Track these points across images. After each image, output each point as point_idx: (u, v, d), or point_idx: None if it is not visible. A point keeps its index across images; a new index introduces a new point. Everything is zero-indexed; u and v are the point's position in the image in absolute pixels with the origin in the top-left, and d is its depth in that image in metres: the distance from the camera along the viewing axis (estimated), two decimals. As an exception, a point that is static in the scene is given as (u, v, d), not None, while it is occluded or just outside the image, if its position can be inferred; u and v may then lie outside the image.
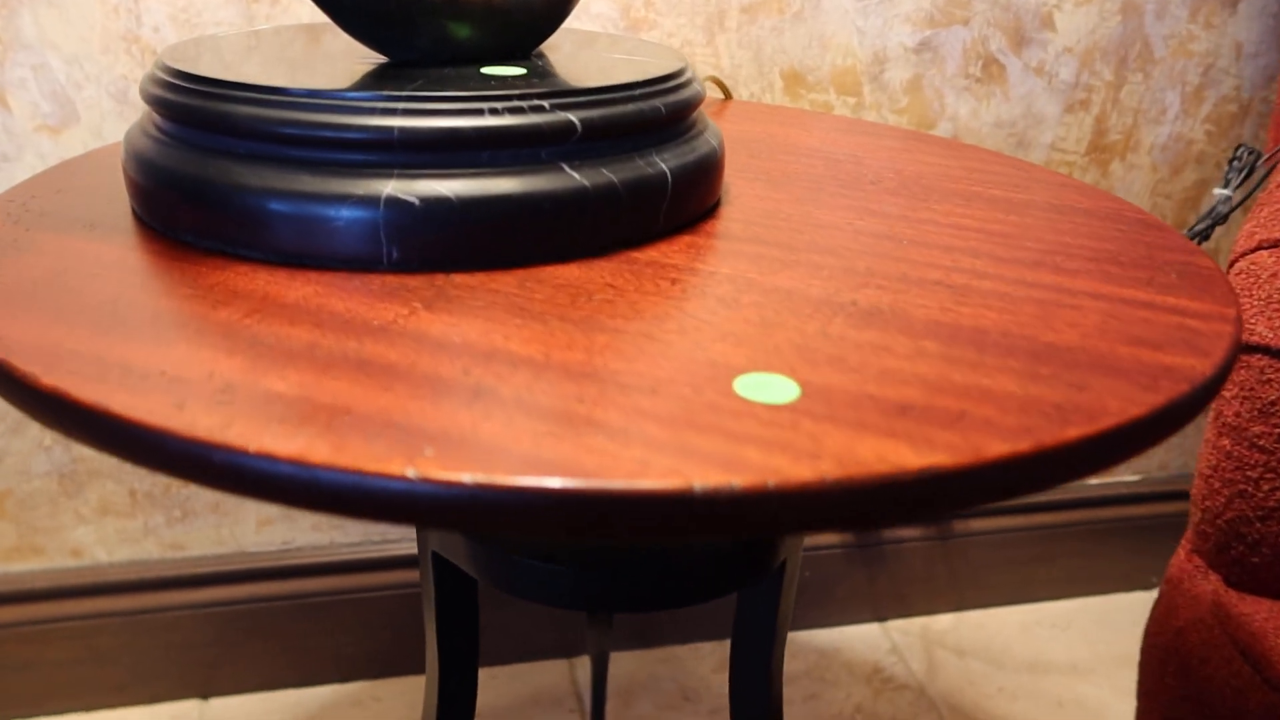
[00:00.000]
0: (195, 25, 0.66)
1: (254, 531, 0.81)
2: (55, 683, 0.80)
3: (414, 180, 0.33)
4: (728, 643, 0.92)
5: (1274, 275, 0.53)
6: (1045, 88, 0.81)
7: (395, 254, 0.33)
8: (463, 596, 0.52)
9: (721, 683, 0.87)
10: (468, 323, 0.30)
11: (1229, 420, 0.54)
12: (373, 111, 0.33)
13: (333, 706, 0.83)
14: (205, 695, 0.83)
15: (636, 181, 0.36)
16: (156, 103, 0.36)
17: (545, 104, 0.35)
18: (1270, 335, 0.52)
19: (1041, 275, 0.35)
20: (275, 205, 0.33)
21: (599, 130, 0.35)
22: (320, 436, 0.23)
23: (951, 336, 0.30)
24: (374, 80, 0.35)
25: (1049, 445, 0.24)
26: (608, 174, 0.36)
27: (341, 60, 0.39)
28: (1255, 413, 0.52)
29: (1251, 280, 0.53)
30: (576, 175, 0.35)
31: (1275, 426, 0.52)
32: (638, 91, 0.37)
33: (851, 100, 0.77)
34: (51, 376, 0.25)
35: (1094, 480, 0.99)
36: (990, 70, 0.79)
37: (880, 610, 0.96)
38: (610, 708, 0.85)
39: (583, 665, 0.89)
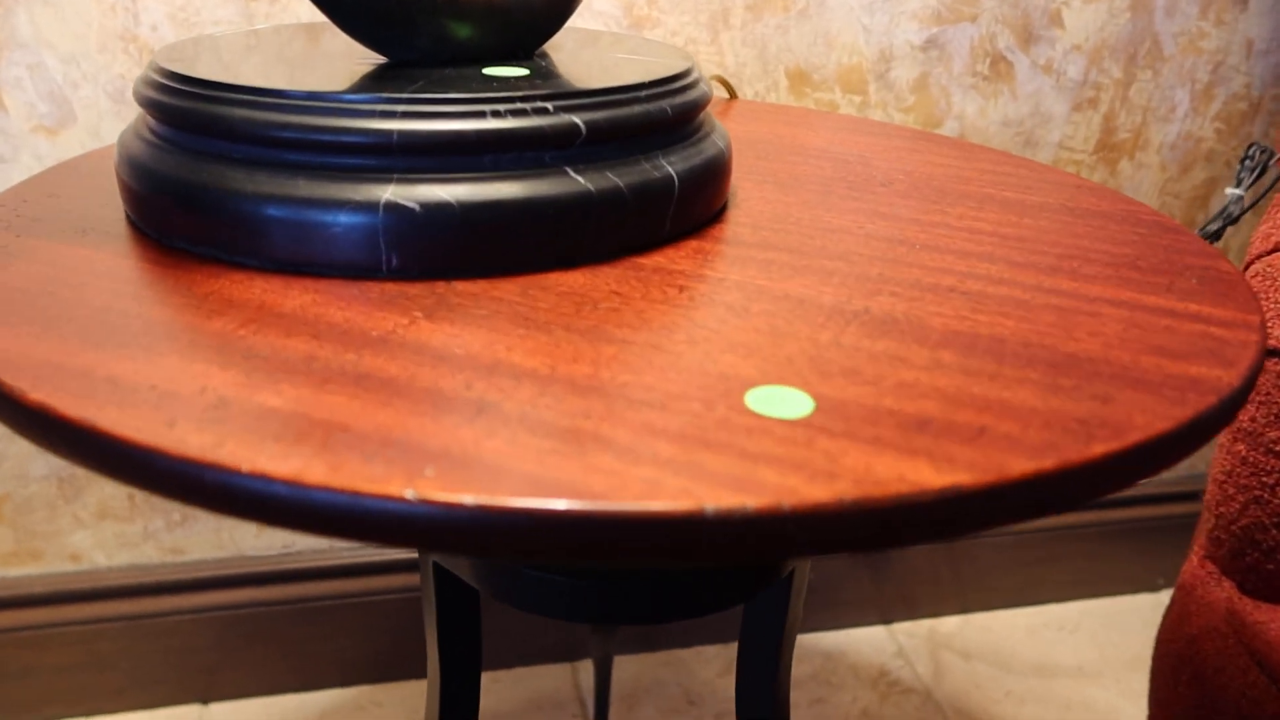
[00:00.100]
0: (193, 24, 0.65)
1: (254, 535, 0.80)
2: (54, 688, 0.79)
3: (414, 185, 0.32)
4: (732, 646, 0.92)
5: (1290, 277, 0.52)
6: (1053, 86, 0.80)
7: (395, 261, 0.32)
8: (464, 605, 0.51)
9: (726, 686, 0.87)
10: (470, 333, 0.29)
11: (1244, 425, 0.53)
12: (371, 114, 0.32)
13: (334, 711, 0.83)
14: (205, 700, 0.83)
15: (642, 185, 0.35)
16: (150, 105, 0.35)
17: (549, 106, 0.34)
18: (1287, 339, 0.51)
19: (1059, 281, 0.35)
20: (271, 211, 0.32)
21: (604, 133, 0.35)
22: (316, 456, 0.22)
23: (969, 346, 0.29)
24: (373, 82, 0.35)
25: (1074, 463, 0.23)
26: (613, 178, 0.35)
27: (340, 61, 0.38)
28: (1272, 417, 0.51)
29: (1269, 283, 0.52)
30: (581, 179, 0.34)
31: (1292, 432, 0.51)
32: (644, 92, 0.36)
33: (857, 99, 0.76)
34: (39, 391, 0.24)
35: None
36: (998, 68, 0.78)
37: (886, 612, 0.95)
38: (613, 712, 0.85)
39: (586, 669, 0.88)
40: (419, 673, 0.86)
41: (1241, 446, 0.53)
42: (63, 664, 0.79)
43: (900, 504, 0.21)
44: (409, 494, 0.21)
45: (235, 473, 0.21)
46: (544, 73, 0.37)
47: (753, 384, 0.26)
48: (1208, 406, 0.26)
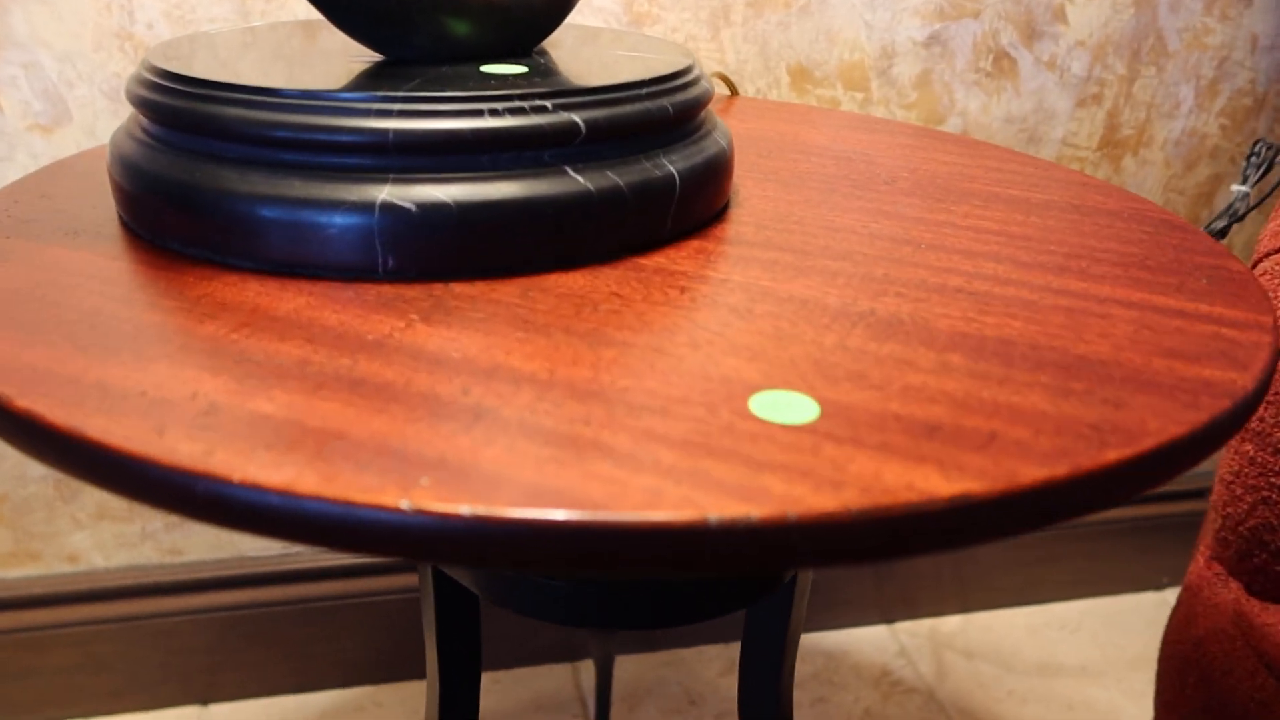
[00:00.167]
0: (189, 22, 0.64)
1: (253, 535, 0.80)
2: (53, 690, 0.79)
3: (410, 185, 0.32)
4: (734, 646, 0.91)
5: (1299, 276, 0.52)
6: (1057, 82, 0.79)
7: (391, 263, 0.32)
8: (464, 610, 0.50)
9: (727, 686, 0.86)
10: (467, 336, 0.28)
11: (1253, 425, 0.52)
12: (367, 113, 0.32)
13: (334, 712, 0.82)
14: (205, 701, 0.82)
15: (643, 185, 0.35)
16: (142, 104, 0.34)
17: (548, 104, 0.33)
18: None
19: (1067, 281, 0.34)
20: (265, 212, 0.32)
21: (604, 131, 0.34)
22: (309, 465, 0.21)
23: (977, 349, 0.29)
24: (368, 80, 0.34)
25: (1087, 470, 0.23)
26: (613, 177, 0.34)
27: (335, 59, 0.37)
28: (1280, 418, 0.50)
29: (1278, 282, 0.51)
30: (580, 178, 0.33)
31: (1300, 432, 0.50)
32: (644, 90, 0.36)
33: (859, 96, 0.76)
34: (26, 398, 0.24)
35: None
36: (1001, 64, 0.77)
37: (888, 612, 0.94)
38: (615, 712, 0.84)
39: (587, 669, 0.88)
40: (419, 673, 0.86)
41: (1249, 446, 0.52)
42: (61, 665, 0.78)
43: (909, 513, 0.21)
44: (404, 504, 0.20)
45: (226, 482, 0.21)
46: (543, 70, 0.37)
47: (757, 388, 0.26)
48: (1222, 410, 0.25)
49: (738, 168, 0.46)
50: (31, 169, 0.66)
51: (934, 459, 0.23)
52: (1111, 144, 0.83)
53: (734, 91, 0.65)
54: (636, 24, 0.70)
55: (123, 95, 0.66)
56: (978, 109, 0.79)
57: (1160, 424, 0.25)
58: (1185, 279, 0.35)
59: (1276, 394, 0.51)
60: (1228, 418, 0.25)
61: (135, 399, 0.24)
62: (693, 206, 0.37)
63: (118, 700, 0.81)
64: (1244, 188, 0.61)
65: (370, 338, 0.28)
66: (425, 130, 0.32)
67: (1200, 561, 0.58)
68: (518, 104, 0.33)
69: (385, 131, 0.31)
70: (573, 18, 0.69)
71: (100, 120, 0.66)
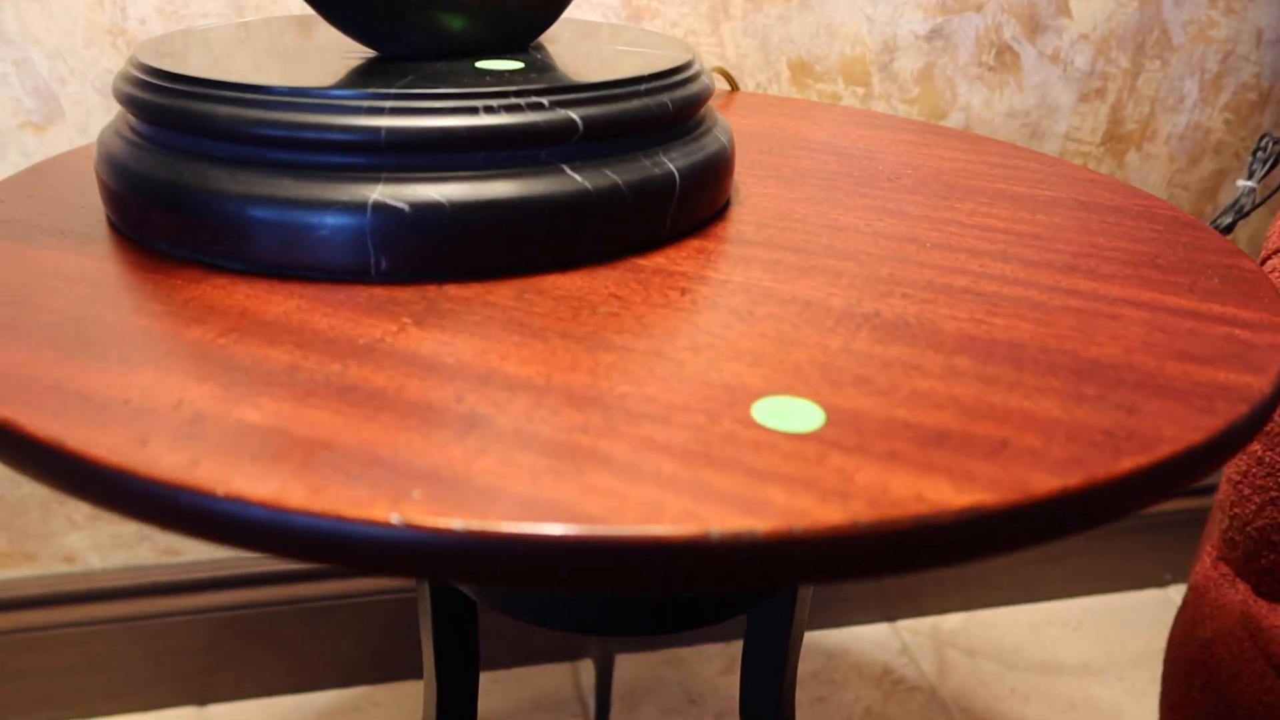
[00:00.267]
0: (182, 17, 0.64)
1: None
2: (49, 691, 0.78)
3: (403, 184, 0.31)
4: (734, 644, 0.90)
5: (1308, 273, 0.51)
6: (1060, 76, 0.78)
7: (384, 264, 0.31)
8: (461, 612, 0.50)
9: (727, 685, 0.86)
10: (461, 341, 0.28)
11: (1260, 424, 0.51)
12: (359, 111, 0.31)
13: (331, 712, 0.82)
14: (202, 702, 0.82)
15: (642, 183, 0.34)
16: (129, 102, 0.34)
17: (544, 101, 0.32)
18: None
19: (1076, 281, 0.33)
20: (254, 212, 0.31)
21: (602, 129, 0.33)
22: (296, 476, 0.21)
23: (986, 352, 0.28)
24: (361, 77, 0.33)
25: (1101, 479, 0.22)
26: (611, 175, 0.33)
27: (328, 55, 0.37)
28: (1289, 417, 0.50)
29: (1286, 279, 0.50)
30: (578, 177, 0.33)
31: (1309, 431, 0.50)
32: (643, 86, 0.35)
33: (860, 90, 0.75)
34: (5, 406, 0.23)
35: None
36: (1004, 58, 0.76)
37: (889, 610, 0.94)
38: (614, 712, 0.84)
39: (586, 669, 0.87)
40: (417, 673, 0.85)
41: (1258, 446, 0.51)
42: (57, 666, 0.78)
43: (919, 526, 0.20)
44: (394, 518, 0.20)
45: (210, 495, 0.20)
46: (539, 66, 0.36)
47: (760, 394, 0.25)
48: (1239, 415, 0.25)
49: (738, 165, 0.46)
50: (24, 167, 0.66)
51: (944, 468, 0.22)
52: (1115, 139, 0.82)
53: (734, 87, 0.64)
54: (635, 18, 0.69)
55: (115, 91, 0.65)
56: (980, 104, 0.78)
57: (1176, 430, 0.24)
58: (1197, 278, 0.34)
59: (1285, 393, 0.50)
60: (1245, 423, 0.25)
61: (118, 407, 0.23)
62: (693, 205, 0.36)
63: (115, 701, 0.80)
64: (1250, 183, 0.61)
65: (362, 342, 0.27)
66: (419, 128, 0.31)
67: (1206, 562, 0.58)
68: (513, 101, 0.32)
69: (378, 130, 0.31)
70: (570, 12, 0.68)
71: (93, 117, 0.65)
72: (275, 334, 0.27)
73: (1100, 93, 0.80)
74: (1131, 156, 0.83)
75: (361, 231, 0.31)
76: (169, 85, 0.33)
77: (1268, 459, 0.51)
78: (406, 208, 0.31)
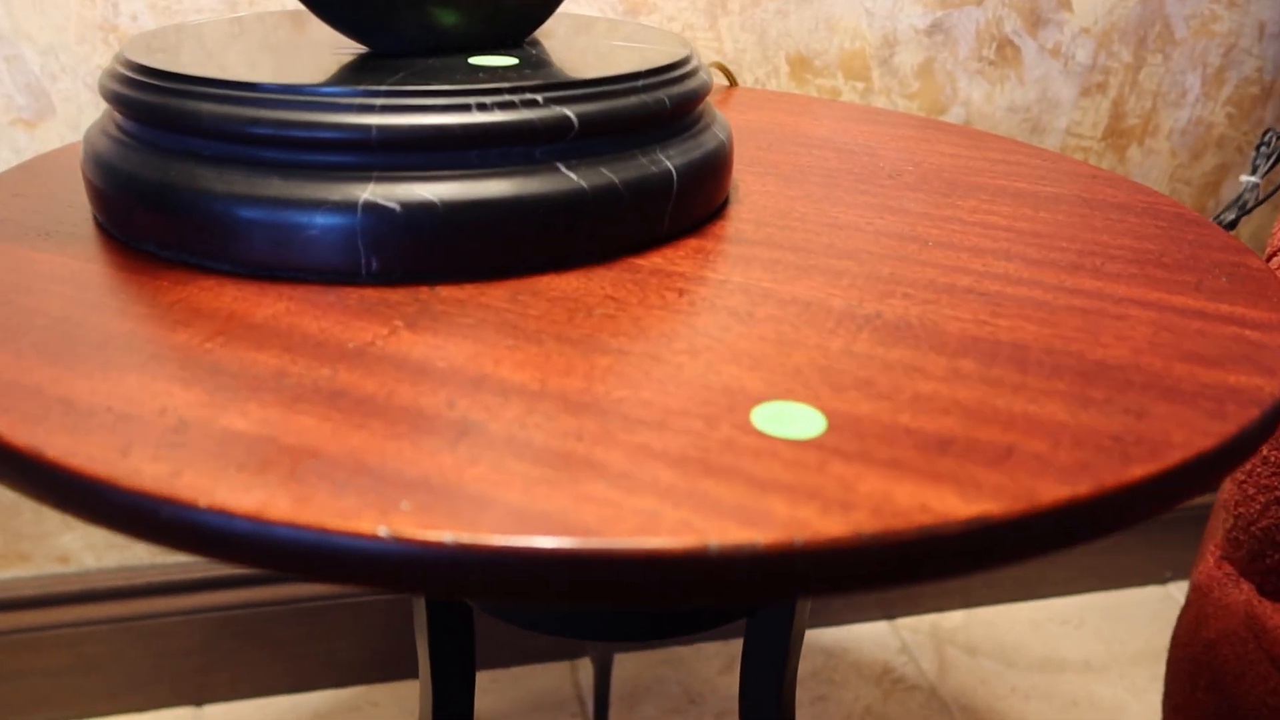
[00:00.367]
0: (174, 13, 0.63)
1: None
2: (44, 691, 0.78)
3: (394, 184, 0.30)
4: (734, 643, 0.90)
5: (1313, 270, 0.50)
6: (1061, 70, 0.77)
7: (375, 265, 0.30)
8: (457, 614, 0.49)
9: (726, 684, 0.85)
10: (454, 344, 0.27)
11: (1265, 423, 0.51)
12: (349, 108, 0.30)
13: (328, 712, 0.81)
14: (199, 702, 0.81)
15: (639, 181, 0.33)
16: (115, 99, 0.33)
17: (539, 98, 0.32)
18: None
19: (1081, 280, 0.33)
20: (243, 212, 0.30)
21: (598, 126, 0.32)
22: (282, 486, 0.20)
23: (990, 354, 0.27)
24: (351, 73, 0.32)
25: (1110, 487, 0.21)
26: (607, 174, 0.33)
27: (320, 51, 0.36)
28: (1294, 416, 0.49)
29: (1291, 276, 0.50)
30: (573, 176, 0.32)
31: (1314, 430, 0.49)
32: (640, 83, 0.34)
33: (860, 85, 0.74)
34: (-16, 414, 0.22)
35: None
36: (1005, 53, 0.76)
37: (889, 608, 0.93)
38: (614, 711, 0.83)
39: (585, 668, 0.87)
40: (414, 673, 0.84)
41: (1263, 445, 0.51)
42: (52, 667, 0.77)
43: (923, 537, 0.20)
44: (382, 531, 0.19)
45: (192, 507, 0.20)
46: (534, 62, 0.35)
47: (759, 399, 0.24)
48: (1250, 420, 0.24)
49: (737, 162, 0.45)
50: (14, 164, 0.65)
51: (949, 476, 0.21)
52: (1117, 133, 0.81)
53: (732, 82, 0.64)
54: (632, 13, 0.69)
55: (106, 88, 0.64)
56: (981, 98, 0.77)
57: (1185, 435, 0.23)
58: (1203, 277, 0.33)
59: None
60: (1256, 428, 0.24)
61: (101, 415, 0.23)
62: (691, 204, 0.35)
63: (111, 701, 0.80)
64: (1253, 178, 0.60)
65: (352, 346, 0.27)
66: (410, 126, 0.30)
67: (1210, 561, 0.57)
68: (507, 98, 0.31)
69: (368, 127, 0.30)
70: (566, 7, 0.67)
71: (85, 114, 0.64)
72: (263, 337, 0.27)
73: (1102, 87, 0.79)
74: (1133, 151, 0.82)
75: (352, 232, 0.30)
76: (155, 83, 0.32)
77: (1273, 458, 0.50)
78: (398, 207, 0.30)
